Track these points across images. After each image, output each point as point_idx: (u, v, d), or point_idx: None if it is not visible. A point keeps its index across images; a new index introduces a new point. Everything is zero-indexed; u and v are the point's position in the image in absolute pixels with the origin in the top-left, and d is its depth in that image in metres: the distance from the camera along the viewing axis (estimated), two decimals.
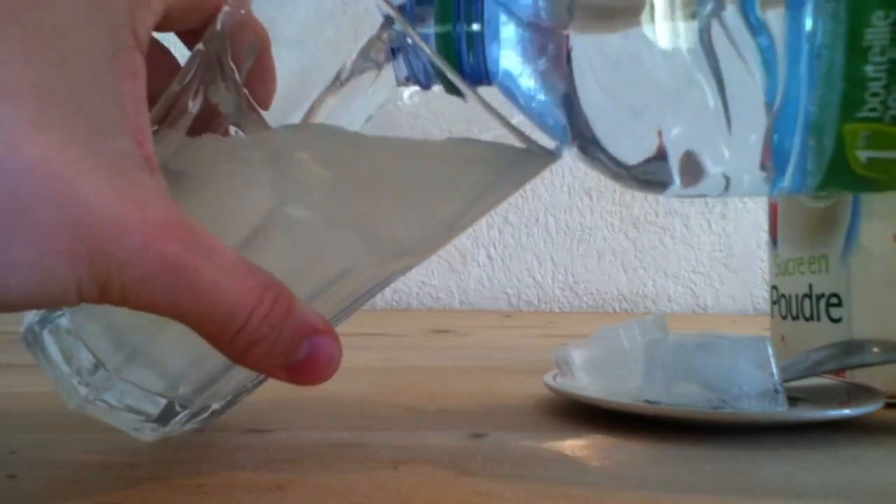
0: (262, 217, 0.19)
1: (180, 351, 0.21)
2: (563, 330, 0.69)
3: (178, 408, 0.21)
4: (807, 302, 0.32)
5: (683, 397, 0.25)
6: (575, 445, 0.23)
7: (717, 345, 0.25)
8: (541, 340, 0.59)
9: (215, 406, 0.22)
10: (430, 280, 0.96)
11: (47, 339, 0.21)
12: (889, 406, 0.26)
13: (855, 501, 0.18)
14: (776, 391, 0.24)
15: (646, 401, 0.25)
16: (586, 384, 0.29)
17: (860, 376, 0.29)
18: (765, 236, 0.38)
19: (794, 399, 0.26)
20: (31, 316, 0.21)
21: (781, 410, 0.24)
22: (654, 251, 0.96)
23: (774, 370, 0.25)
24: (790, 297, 0.33)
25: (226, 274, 0.17)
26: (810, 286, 0.32)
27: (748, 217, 0.96)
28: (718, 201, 0.96)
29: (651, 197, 0.96)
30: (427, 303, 0.95)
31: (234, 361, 0.18)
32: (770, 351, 0.25)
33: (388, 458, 0.21)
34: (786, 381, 0.26)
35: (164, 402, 0.21)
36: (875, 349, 0.27)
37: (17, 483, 0.19)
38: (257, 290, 0.17)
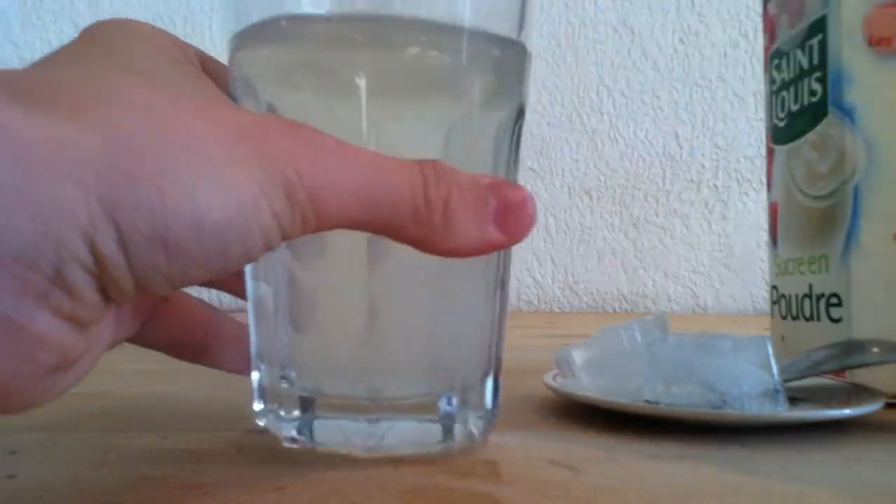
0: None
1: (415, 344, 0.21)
2: (563, 330, 0.69)
3: (451, 406, 0.21)
4: (807, 302, 0.32)
5: (684, 397, 0.25)
6: (575, 445, 0.23)
7: (718, 345, 0.25)
8: (541, 340, 0.59)
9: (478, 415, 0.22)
10: None
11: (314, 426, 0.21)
12: (889, 406, 0.26)
13: (855, 501, 0.18)
14: (776, 391, 0.24)
15: (646, 401, 0.25)
16: (586, 384, 0.29)
17: (860, 376, 0.29)
18: (765, 236, 0.38)
19: (794, 399, 0.26)
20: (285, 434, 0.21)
21: (781, 410, 0.24)
22: (654, 251, 0.96)
23: (775, 370, 0.25)
24: (790, 297, 0.33)
25: (371, 154, 0.16)
26: (810, 286, 0.32)
27: (748, 217, 0.96)
28: (718, 201, 0.96)
29: (651, 197, 0.96)
30: None
31: (443, 240, 0.17)
32: (770, 351, 0.25)
33: (389, 458, 0.21)
34: (786, 381, 0.26)
35: (437, 421, 0.21)
36: (875, 349, 0.27)
37: (17, 483, 0.19)
38: (405, 161, 0.17)
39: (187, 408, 0.28)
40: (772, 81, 0.35)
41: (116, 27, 0.17)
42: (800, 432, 0.24)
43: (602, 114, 0.96)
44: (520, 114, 0.22)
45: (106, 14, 0.97)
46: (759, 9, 0.37)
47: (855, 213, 0.29)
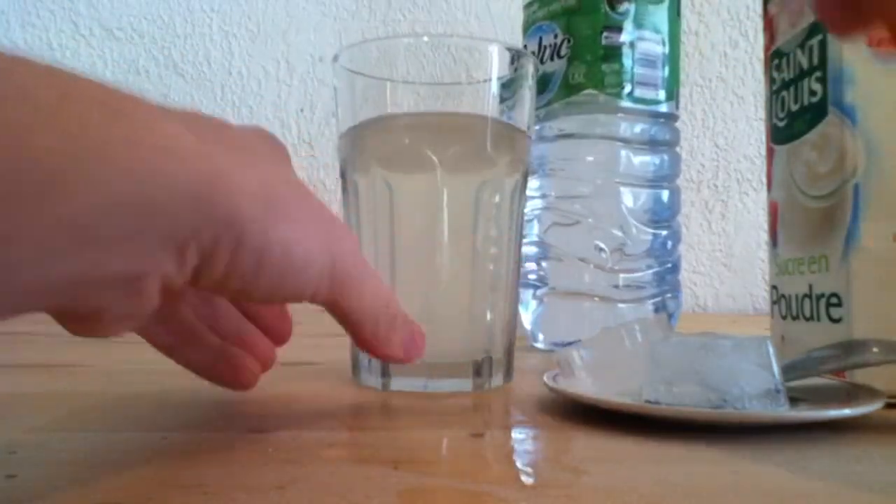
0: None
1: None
2: None
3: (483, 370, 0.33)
4: (807, 302, 0.32)
5: (684, 397, 0.25)
6: (575, 445, 0.23)
7: (719, 345, 0.25)
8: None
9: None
10: None
11: None
12: (889, 406, 0.25)
13: (855, 501, 0.18)
14: (777, 391, 0.24)
15: (646, 401, 0.25)
16: (587, 384, 0.29)
17: (860, 376, 0.29)
18: (765, 236, 0.38)
19: (794, 399, 0.26)
20: None
21: (782, 410, 0.24)
22: None
23: (776, 370, 0.25)
24: (790, 297, 0.33)
25: (372, 273, 0.24)
26: (810, 286, 0.31)
27: (748, 217, 0.96)
28: (718, 201, 0.96)
29: None
30: None
31: (376, 348, 0.25)
32: (772, 351, 0.25)
33: (388, 458, 0.21)
34: (786, 381, 0.26)
35: (470, 379, 0.33)
36: (875, 349, 0.27)
37: (17, 483, 0.19)
38: (383, 287, 0.25)
39: (187, 408, 0.28)
40: (772, 81, 0.35)
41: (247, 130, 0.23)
42: (800, 432, 0.24)
43: None
44: (525, 175, 0.35)
45: (106, 15, 0.97)
46: (759, 9, 0.37)
47: (855, 213, 0.29)
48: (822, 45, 0.30)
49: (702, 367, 0.25)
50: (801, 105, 0.32)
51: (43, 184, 0.14)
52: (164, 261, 0.17)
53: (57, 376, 0.36)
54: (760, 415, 0.24)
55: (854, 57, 0.29)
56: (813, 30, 0.31)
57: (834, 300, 0.30)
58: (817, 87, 0.31)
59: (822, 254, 0.31)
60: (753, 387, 0.24)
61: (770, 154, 0.36)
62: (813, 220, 0.31)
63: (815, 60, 0.31)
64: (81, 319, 0.18)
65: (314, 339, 0.52)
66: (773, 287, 0.35)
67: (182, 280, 0.18)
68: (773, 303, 0.35)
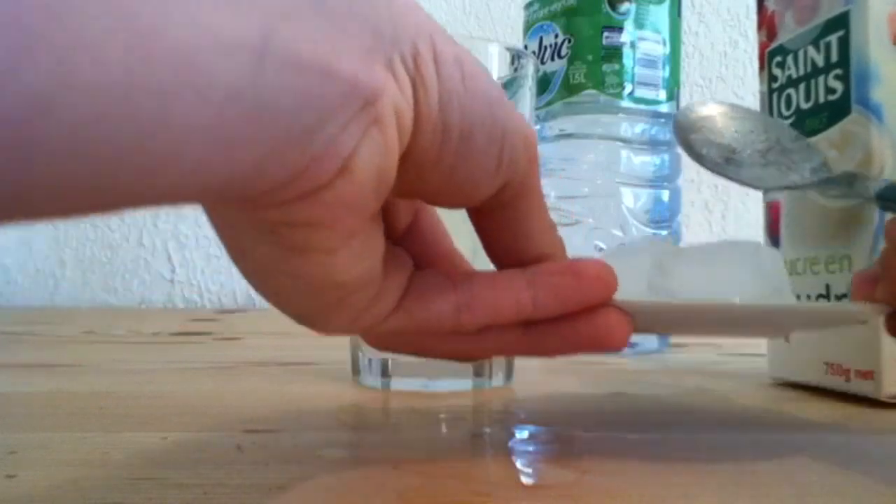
0: None
1: None
2: None
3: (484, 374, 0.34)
4: (822, 303, 0.31)
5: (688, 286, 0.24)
6: (576, 445, 0.23)
7: (719, 253, 0.25)
8: None
9: None
10: None
11: None
12: (889, 406, 0.26)
13: (855, 501, 0.18)
14: (780, 292, 0.24)
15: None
16: None
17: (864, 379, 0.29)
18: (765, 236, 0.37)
19: None
20: None
21: (788, 303, 0.24)
22: None
23: (782, 274, 0.24)
24: (799, 297, 0.33)
25: None
26: (827, 286, 0.31)
27: (748, 217, 0.96)
28: (718, 201, 0.96)
29: None
30: None
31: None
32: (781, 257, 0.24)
33: (388, 458, 0.21)
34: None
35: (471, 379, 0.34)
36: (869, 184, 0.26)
37: (17, 483, 0.19)
38: None
39: (187, 408, 0.28)
40: (772, 79, 0.35)
41: None
42: (800, 432, 0.24)
43: None
44: None
45: None
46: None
47: (883, 212, 0.28)
48: (844, 42, 0.30)
49: (704, 275, 0.24)
50: (814, 102, 0.32)
51: None
52: (383, 75, 0.16)
53: (57, 376, 0.36)
54: (767, 307, 0.23)
55: (880, 55, 0.29)
56: (830, 26, 0.31)
57: None
58: (837, 84, 0.30)
59: (844, 253, 0.30)
60: (756, 289, 0.24)
61: None
62: (832, 219, 0.31)
63: (834, 57, 0.30)
64: (317, 204, 0.15)
65: (314, 339, 0.52)
66: None
67: (409, 111, 0.17)
68: None
